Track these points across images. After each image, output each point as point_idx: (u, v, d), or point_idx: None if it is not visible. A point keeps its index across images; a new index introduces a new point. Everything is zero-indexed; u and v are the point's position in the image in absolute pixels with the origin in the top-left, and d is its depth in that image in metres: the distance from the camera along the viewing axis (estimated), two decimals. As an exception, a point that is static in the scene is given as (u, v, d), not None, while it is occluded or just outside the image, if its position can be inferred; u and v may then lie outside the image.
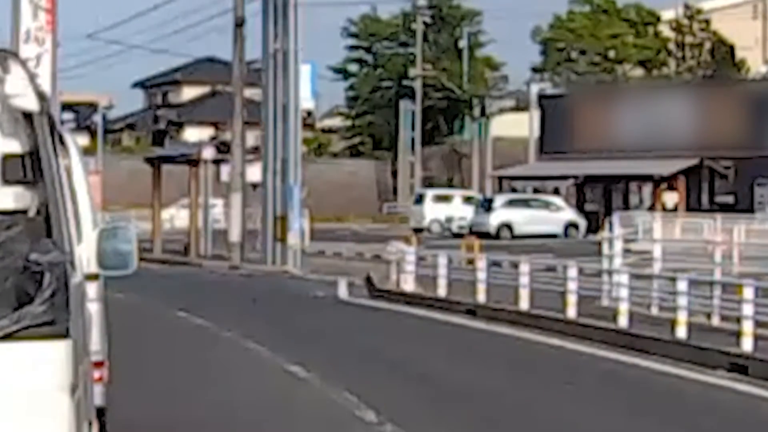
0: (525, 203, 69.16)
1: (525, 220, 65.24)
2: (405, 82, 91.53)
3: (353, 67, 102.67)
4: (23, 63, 7.71)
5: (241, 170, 50.29)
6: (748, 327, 21.51)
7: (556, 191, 74.47)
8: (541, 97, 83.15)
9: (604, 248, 35.57)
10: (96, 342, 11.08)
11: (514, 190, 75.03)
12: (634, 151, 69.25)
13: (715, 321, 24.08)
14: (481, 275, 30.71)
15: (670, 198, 66.68)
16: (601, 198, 71.79)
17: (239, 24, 50.97)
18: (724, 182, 68.84)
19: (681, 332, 22.68)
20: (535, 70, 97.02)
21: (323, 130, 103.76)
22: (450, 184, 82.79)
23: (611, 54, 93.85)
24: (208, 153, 54.58)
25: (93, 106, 78.37)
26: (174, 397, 16.58)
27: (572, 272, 27.39)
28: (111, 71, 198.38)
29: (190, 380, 18.58)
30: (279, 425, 14.91)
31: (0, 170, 7.66)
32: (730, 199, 64.64)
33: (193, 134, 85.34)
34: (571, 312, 26.30)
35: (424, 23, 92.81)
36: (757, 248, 33.40)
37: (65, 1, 52.11)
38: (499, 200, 69.32)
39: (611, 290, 27.09)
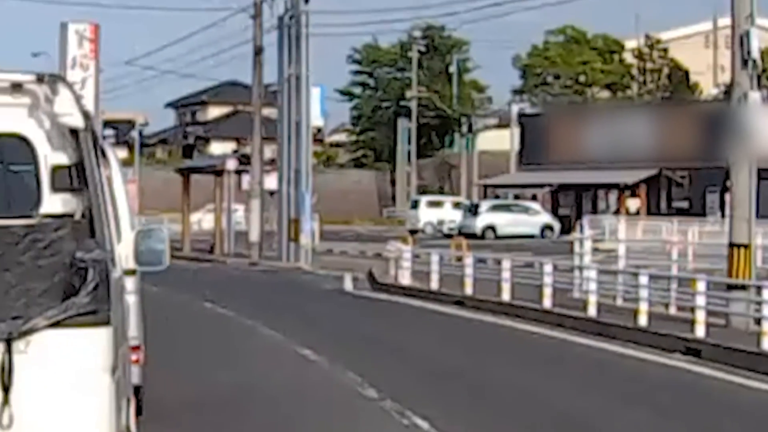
0: (507, 208, 69.06)
1: (507, 222, 65.15)
2: (402, 103, 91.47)
3: (357, 90, 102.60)
4: (70, 86, 7.71)
5: (260, 179, 50.24)
6: (701, 316, 21.49)
7: (533, 197, 74.39)
8: (521, 116, 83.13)
9: (575, 247, 35.52)
10: (133, 329, 11.09)
11: (497, 197, 74.90)
12: (602, 162, 69.21)
13: (672, 310, 24.03)
14: (468, 271, 30.68)
15: (633, 203, 66.62)
16: (572, 203, 71.72)
17: (258, 52, 50.95)
18: (680, 189, 68.86)
19: (642, 320, 22.64)
20: (515, 92, 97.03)
21: (331, 145, 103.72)
22: (441, 192, 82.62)
23: (582, 78, 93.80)
24: (231, 164, 54.51)
25: (131, 124, 78.33)
26: (201, 377, 16.56)
27: (548, 268, 27.36)
28: (146, 93, 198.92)
29: (214, 362, 18.56)
30: (293, 401, 14.88)
31: (50, 179, 7.67)
32: (685, 205, 64.63)
33: (217, 148, 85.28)
34: (547, 303, 26.25)
35: (419, 51, 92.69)
36: (708, 247, 33.34)
37: (106, 32, 51.81)
38: (484, 205, 69.25)
39: (582, 284, 27.04)
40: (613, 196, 70.20)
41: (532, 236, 61.45)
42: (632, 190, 68.66)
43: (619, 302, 25.48)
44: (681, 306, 23.69)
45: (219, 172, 54.61)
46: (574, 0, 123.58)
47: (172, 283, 24.35)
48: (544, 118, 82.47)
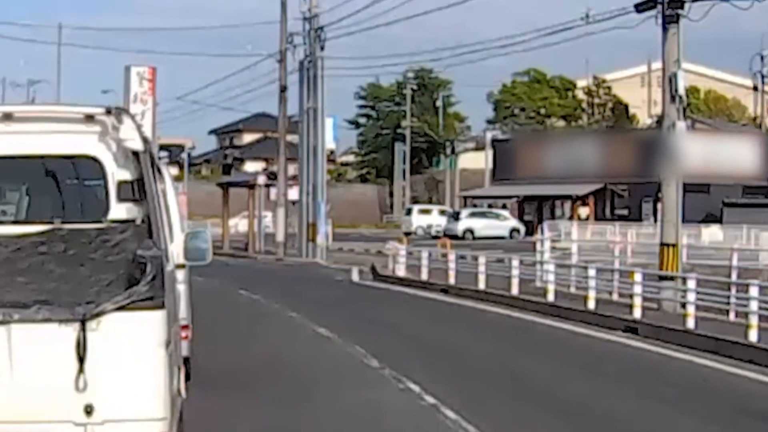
0: (482, 215, 68.96)
1: (482, 226, 65.03)
2: (398, 131, 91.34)
3: (362, 120, 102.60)
4: (132, 117, 7.73)
5: (284, 192, 50.23)
6: (637, 301, 21.51)
7: (504, 206, 74.26)
8: (493, 141, 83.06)
9: (537, 246, 35.62)
10: (183, 311, 11.09)
11: (474, 206, 74.73)
12: (558, 178, 69.13)
13: (615, 297, 24.03)
14: (452, 265, 30.67)
15: (583, 211, 66.60)
16: (535, 211, 71.59)
17: (283, 90, 50.95)
18: (621, 200, 68.80)
19: (591, 304, 22.66)
20: (489, 121, 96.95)
21: (341, 164, 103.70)
22: (430, 201, 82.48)
23: (542, 111, 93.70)
24: (261, 180, 54.54)
25: (181, 147, 78.19)
26: (237, 349, 16.56)
27: (515, 263, 27.36)
28: (193, 122, 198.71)
29: (248, 337, 18.57)
30: (312, 369, 14.89)
31: (116, 191, 7.68)
32: (625, 212, 64.52)
33: (250, 167, 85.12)
34: (515, 290, 26.24)
35: (412, 89, 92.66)
36: (643, 246, 33.37)
37: (161, 73, 51.94)
38: (464, 213, 69.18)
39: (542, 275, 27.03)
40: (567, 205, 70.17)
41: (502, 237, 61.36)
42: (583, 200, 68.63)
43: (572, 290, 25.49)
44: (622, 293, 23.71)
45: (251, 186, 54.67)
46: (536, 48, 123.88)
47: (213, 275, 24.36)
48: (512, 142, 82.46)
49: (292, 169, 51.38)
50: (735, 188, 63.15)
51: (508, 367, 15.87)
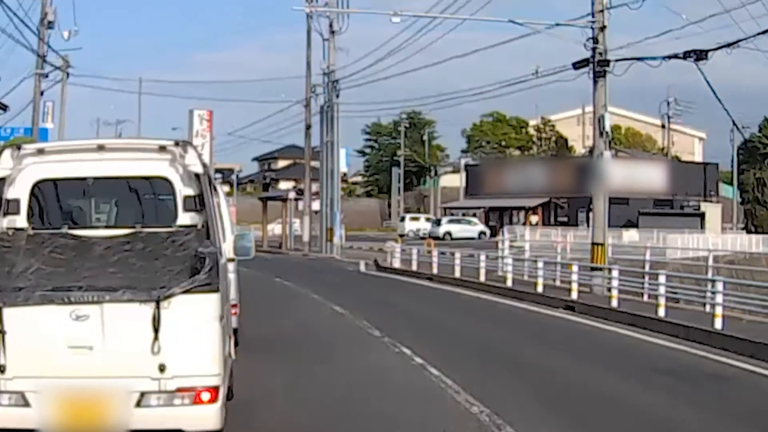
0: (458, 221, 68.75)
1: (458, 230, 64.86)
2: (395, 158, 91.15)
3: (367, 150, 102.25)
4: (194, 147, 7.75)
5: (309, 204, 50.15)
6: (574, 286, 21.50)
7: (474, 215, 73.83)
8: (466, 166, 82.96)
9: (499, 245, 35.59)
10: (233, 294, 11.10)
11: (452, 215, 74.44)
12: (515, 193, 69.17)
13: (557, 283, 24.01)
14: (435, 259, 30.63)
15: (534, 218, 66.45)
16: (497, 218, 71.37)
17: (308, 127, 50.92)
18: (562, 210, 68.66)
19: (539, 288, 22.64)
20: (463, 151, 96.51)
21: (352, 183, 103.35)
22: (418, 211, 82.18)
23: (503, 143, 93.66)
24: (291, 195, 54.46)
25: (231, 170, 78.09)
26: (272, 322, 16.55)
27: (482, 257, 27.33)
28: (241, 151, 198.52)
29: (281, 313, 18.57)
30: (329, 337, 14.87)
31: (182, 204, 7.69)
32: (565, 219, 64.39)
33: (283, 185, 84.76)
34: (482, 278, 26.21)
35: (405, 127, 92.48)
36: (579, 245, 33.34)
37: (216, 114, 52.23)
38: (444, 220, 69.02)
39: (503, 267, 27.02)
40: (521, 214, 70.10)
41: (473, 238, 61.22)
42: (533, 210, 68.65)
43: (525, 278, 25.49)
44: (562, 280, 23.72)
45: (284, 200, 54.56)
46: (498, 96, 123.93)
47: (255, 267, 24.30)
48: (480, 167, 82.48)
49: (314, 187, 51.37)
50: (648, 201, 63.31)
51: (476, 335, 15.89)
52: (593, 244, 23.37)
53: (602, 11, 22.56)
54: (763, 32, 22.13)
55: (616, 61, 22.78)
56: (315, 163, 51.59)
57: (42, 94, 33.97)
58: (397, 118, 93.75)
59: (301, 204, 53.95)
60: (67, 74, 36.27)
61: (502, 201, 71.21)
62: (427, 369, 11.56)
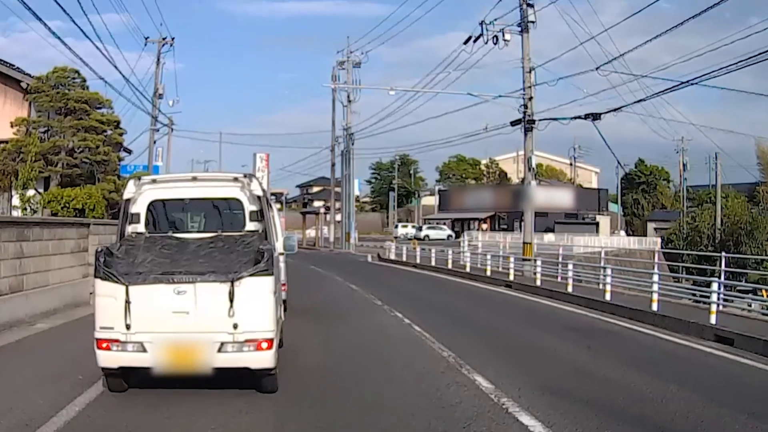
0: (433, 228, 68.24)
1: (433, 233, 64.47)
2: (391, 185, 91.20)
3: (373, 180, 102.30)
4: (257, 178, 7.76)
5: (333, 216, 50.25)
6: (512, 271, 21.49)
7: (444, 223, 73.69)
8: (439, 191, 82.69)
9: (461, 244, 35.54)
10: (282, 276, 11.08)
11: (429, 223, 74.30)
12: (472, 209, 69.05)
13: (500, 269, 23.98)
14: (418, 253, 30.61)
15: (484, 226, 66.26)
16: (460, 226, 70.99)
17: (333, 165, 50.91)
18: (504, 220, 68.44)
19: (488, 273, 22.62)
20: (437, 181, 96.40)
21: (363, 202, 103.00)
22: (407, 221, 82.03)
23: (463, 176, 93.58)
24: (322, 210, 54.61)
25: (281, 194, 77.77)
26: (308, 296, 16.47)
27: (450, 252, 27.31)
28: (288, 180, 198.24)
29: (314, 290, 18.49)
30: (347, 305, 14.79)
31: (249, 216, 7.69)
32: (506, 226, 64.17)
33: (316, 204, 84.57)
34: (450, 266, 26.21)
35: (398, 164, 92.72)
36: (514, 244, 33.29)
37: (272, 156, 52.16)
38: (424, 227, 68.64)
39: (463, 258, 27.00)
40: (476, 222, 69.88)
41: (443, 239, 61.08)
42: (484, 220, 68.50)
43: (479, 266, 25.46)
44: (503, 267, 23.69)
45: (317, 213, 54.74)
46: (460, 144, 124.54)
47: (298, 258, 24.26)
48: (448, 191, 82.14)
49: (337, 204, 51.35)
50: (560, 214, 63.13)
51: (446, 304, 15.83)
52: (524, 243, 23.37)
53: (530, 87, 22.66)
54: (637, 101, 22.23)
55: (539, 120, 22.85)
56: (337, 189, 51.61)
57: (155, 142, 33.96)
58: (392, 159, 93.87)
59: (328, 216, 53.95)
60: (171, 129, 36.23)
61: (463, 214, 71.04)
62: (413, 327, 11.48)
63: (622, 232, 65.45)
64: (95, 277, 6.47)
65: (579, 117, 22.04)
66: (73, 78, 21.68)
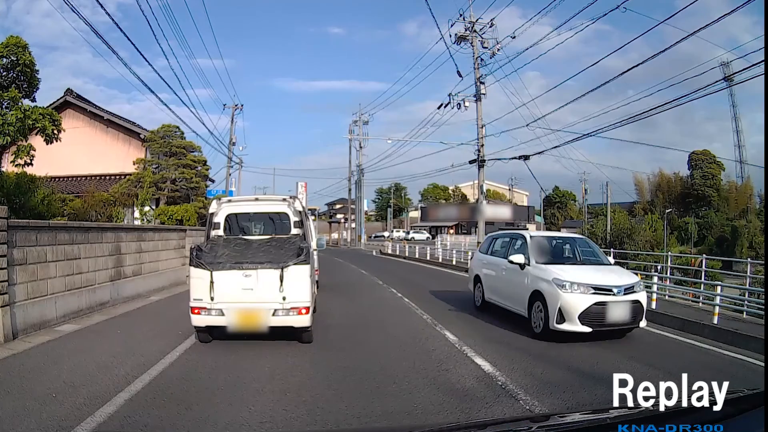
0: (417, 232, 68.08)
1: (417, 236, 63.86)
2: (389, 204, 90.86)
3: (377, 200, 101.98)
4: (299, 199, 7.75)
5: (350, 224, 50.11)
6: (469, 261, 21.29)
7: (425, 229, 73.47)
8: (421, 207, 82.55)
9: (436, 243, 35.33)
10: (316, 264, 10.97)
11: (415, 229, 74.07)
12: (442, 221, 68.50)
13: (462, 260, 23.85)
14: (408, 249, 30.51)
15: (451, 231, 66.04)
16: (435, 231, 70.95)
17: (349, 190, 50.97)
18: (464, 227, 68.01)
19: (454, 262, 22.52)
20: (419, 200, 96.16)
21: (370, 215, 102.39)
22: (400, 227, 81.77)
23: (437, 197, 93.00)
24: (342, 220, 54.45)
25: (315, 209, 76.67)
26: (333, 278, 16.25)
27: (428, 248, 27.19)
28: (320, 200, 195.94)
29: (337, 274, 18.25)
30: (357, 285, 14.61)
31: (293, 224, 7.68)
32: (466, 231, 63.71)
33: (339, 216, 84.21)
34: (428, 257, 26.07)
35: (393, 189, 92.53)
36: (471, 244, 33.13)
37: (310, 185, 52.07)
38: (411, 231, 68.42)
39: (436, 252, 26.85)
40: (446, 229, 69.64)
41: (424, 240, 60.74)
42: (451, 227, 68.11)
43: (447, 258, 25.29)
44: (464, 259, 23.53)
45: (339, 223, 54.58)
46: (435, 176, 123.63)
47: (326, 253, 24.14)
48: (427, 208, 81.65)
49: (353, 216, 51.14)
50: (502, 223, 62.42)
51: (425, 283, 15.63)
52: (478, 242, 23.26)
53: (482, 138, 22.70)
54: (554, 147, 22.22)
55: (488, 159, 22.87)
56: (353, 206, 51.45)
57: (230, 175, 34.03)
58: (390, 186, 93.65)
59: (346, 224, 53.71)
60: (241, 166, 36.35)
61: (437, 223, 70.51)
62: (404, 299, 11.36)
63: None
64: (190, 265, 6.53)
65: (515, 158, 22.15)
66: (175, 131, 22.38)
